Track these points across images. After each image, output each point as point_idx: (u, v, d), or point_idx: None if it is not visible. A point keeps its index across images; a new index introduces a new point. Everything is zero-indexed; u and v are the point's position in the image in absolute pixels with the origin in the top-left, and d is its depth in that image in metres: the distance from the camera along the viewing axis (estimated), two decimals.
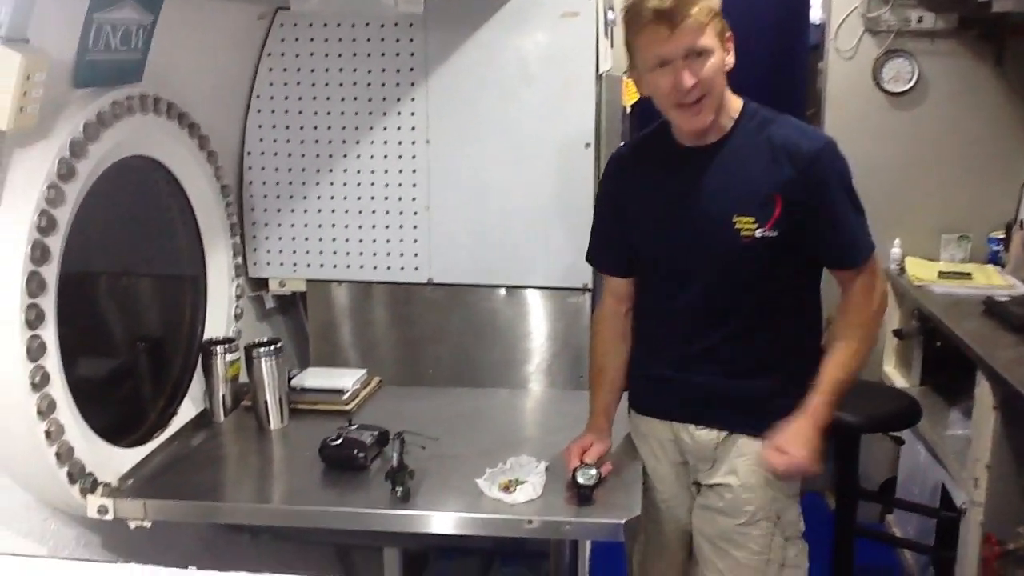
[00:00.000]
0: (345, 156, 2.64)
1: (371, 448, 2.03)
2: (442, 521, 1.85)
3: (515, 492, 1.86)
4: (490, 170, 2.59)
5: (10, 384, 1.68)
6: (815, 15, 4.11)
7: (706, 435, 2.00)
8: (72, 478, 1.81)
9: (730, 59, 1.85)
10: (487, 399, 2.54)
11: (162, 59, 2.05)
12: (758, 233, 1.84)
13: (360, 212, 2.67)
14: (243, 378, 2.34)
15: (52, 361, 1.75)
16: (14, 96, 1.53)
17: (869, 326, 1.97)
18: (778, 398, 1.94)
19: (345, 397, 2.40)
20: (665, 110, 1.87)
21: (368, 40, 2.56)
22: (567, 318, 2.67)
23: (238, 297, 2.53)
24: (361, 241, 2.69)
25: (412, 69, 2.56)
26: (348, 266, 2.70)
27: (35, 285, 1.69)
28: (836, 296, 2.00)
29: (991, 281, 3.39)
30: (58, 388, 1.77)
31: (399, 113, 2.59)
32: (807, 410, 1.90)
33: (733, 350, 1.95)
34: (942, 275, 3.47)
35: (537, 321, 2.70)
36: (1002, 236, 3.62)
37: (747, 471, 1.96)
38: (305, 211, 2.68)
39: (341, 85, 2.59)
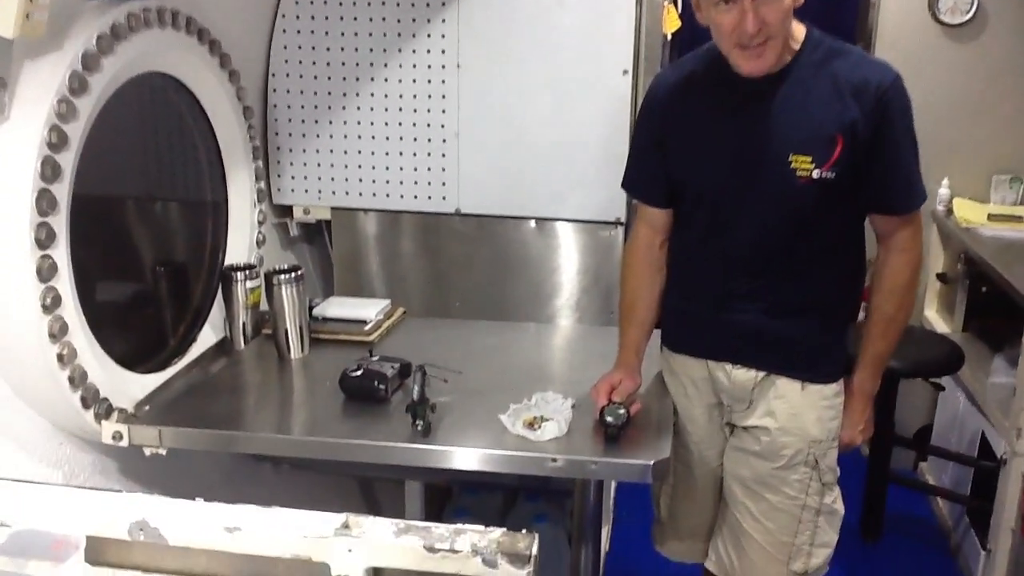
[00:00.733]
0: (373, 80, 2.55)
1: (392, 380, 1.97)
2: (464, 457, 1.79)
3: (540, 429, 1.79)
4: (523, 97, 2.49)
5: (21, 305, 1.63)
6: None
7: (744, 375, 1.91)
8: (86, 403, 1.77)
9: None
10: (513, 333, 2.48)
11: None
12: (815, 174, 1.73)
13: (387, 139, 2.59)
14: (264, 306, 2.29)
15: (64, 283, 1.69)
16: (19, 1, 1.45)
17: (906, 292, 1.87)
18: (820, 340, 1.87)
19: (367, 328, 2.34)
20: (724, 48, 1.73)
21: None
22: (598, 252, 2.60)
23: (260, 223, 2.47)
24: (388, 169, 2.61)
25: None
26: (374, 194, 2.63)
27: (45, 203, 1.62)
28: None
29: None
30: (71, 311, 1.72)
31: (429, 36, 2.49)
32: (853, 389, 1.93)
33: (777, 290, 1.85)
34: (992, 217, 3.38)
35: (567, 255, 2.62)
36: None
37: (786, 414, 1.88)
38: (331, 136, 2.61)
39: (370, 5, 2.49)
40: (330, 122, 2.60)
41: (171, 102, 2.22)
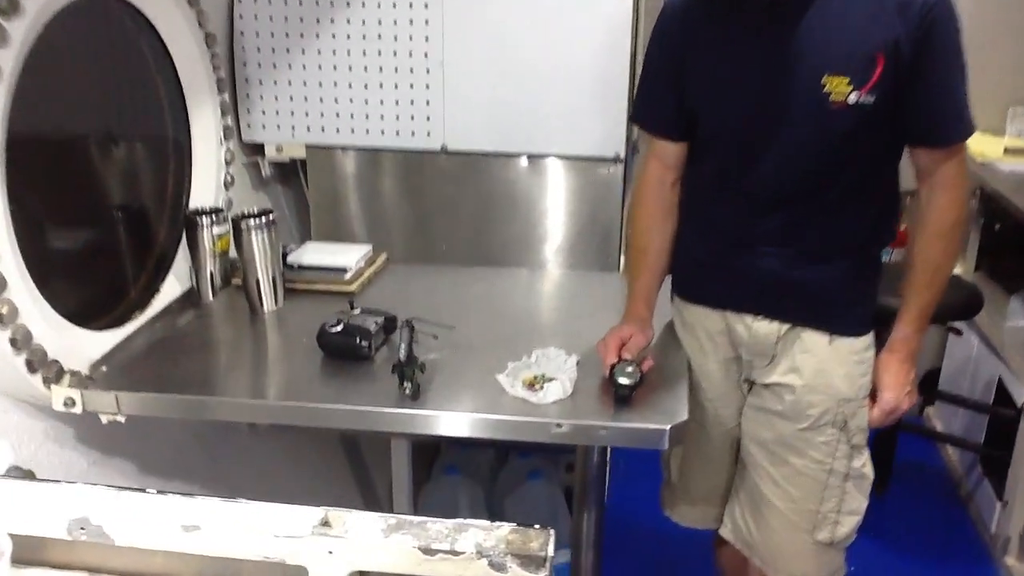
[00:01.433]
0: (350, 4, 2.32)
1: (376, 336, 1.79)
2: (457, 423, 1.60)
3: (542, 391, 1.61)
4: (513, 22, 2.28)
5: None
6: None
7: (766, 327, 1.73)
8: (31, 366, 1.57)
9: None
10: (505, 280, 2.30)
11: None
12: (851, 98, 1.52)
13: (367, 69, 2.37)
14: (234, 254, 2.09)
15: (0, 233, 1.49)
16: None
17: (952, 235, 1.66)
18: (850, 288, 1.69)
19: (348, 276, 2.15)
20: None
21: None
22: (595, 192, 2.40)
23: (228, 163, 2.25)
24: (367, 102, 2.40)
25: None
26: (353, 131, 2.43)
27: None
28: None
29: None
30: (9, 264, 1.51)
31: None
32: (896, 346, 1.72)
33: (804, 232, 1.66)
34: (1008, 151, 3.23)
35: (562, 194, 2.43)
36: None
37: (812, 370, 1.71)
38: (304, 67, 2.39)
39: None
40: (303, 51, 2.37)
41: (123, 28, 1.98)
